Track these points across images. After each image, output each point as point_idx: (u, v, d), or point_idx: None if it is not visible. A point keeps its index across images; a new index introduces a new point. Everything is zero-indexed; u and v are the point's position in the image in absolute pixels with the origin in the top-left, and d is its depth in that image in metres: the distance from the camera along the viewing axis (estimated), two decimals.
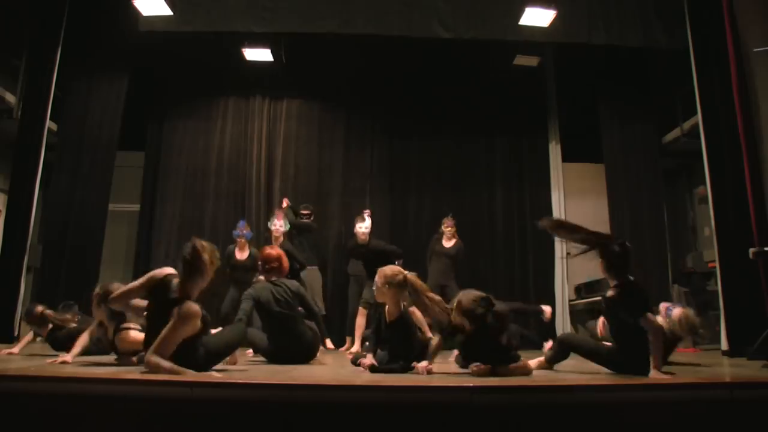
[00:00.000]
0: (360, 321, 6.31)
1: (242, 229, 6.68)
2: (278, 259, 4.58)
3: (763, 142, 5.56)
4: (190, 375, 2.83)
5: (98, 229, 7.20)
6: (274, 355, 4.35)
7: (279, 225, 6.67)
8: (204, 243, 3.27)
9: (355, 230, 6.60)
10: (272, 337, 4.40)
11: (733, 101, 5.69)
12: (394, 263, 4.70)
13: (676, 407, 2.53)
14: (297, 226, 7.10)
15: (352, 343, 6.36)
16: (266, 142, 8.20)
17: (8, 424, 2.42)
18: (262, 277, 4.65)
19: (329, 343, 4.68)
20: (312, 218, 7.29)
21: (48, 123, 6.55)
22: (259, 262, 4.71)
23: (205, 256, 3.20)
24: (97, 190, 7.25)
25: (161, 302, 3.14)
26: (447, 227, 6.94)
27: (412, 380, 3.02)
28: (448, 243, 6.91)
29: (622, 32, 6.73)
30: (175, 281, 3.20)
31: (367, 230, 6.56)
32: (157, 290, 3.20)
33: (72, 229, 7.06)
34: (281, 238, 6.60)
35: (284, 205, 7.35)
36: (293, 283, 4.58)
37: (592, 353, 3.62)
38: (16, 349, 4.59)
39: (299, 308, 4.50)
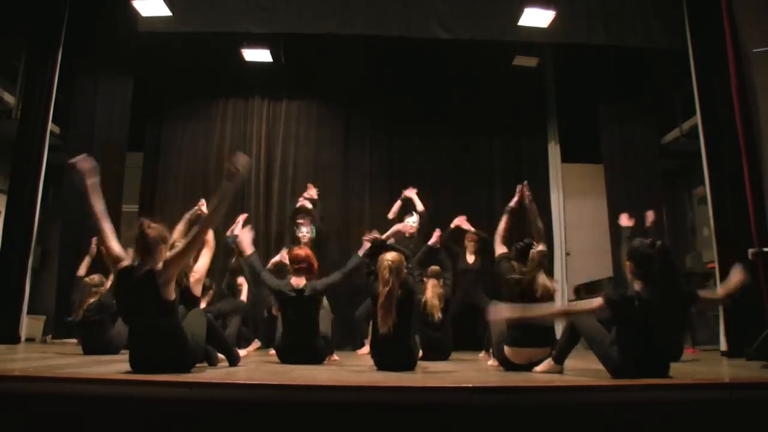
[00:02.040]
0: None
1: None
2: (306, 259, 4.60)
3: (762, 143, 5.57)
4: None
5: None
6: (284, 352, 4.44)
7: (306, 231, 6.63)
8: (151, 222, 3.17)
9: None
10: (285, 333, 4.49)
11: (732, 102, 5.69)
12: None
13: (675, 407, 2.53)
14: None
15: None
16: (265, 143, 8.19)
17: (8, 424, 2.41)
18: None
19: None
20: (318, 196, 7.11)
21: (50, 124, 6.55)
22: (288, 263, 4.76)
23: (152, 233, 3.09)
24: (108, 192, 7.19)
25: (128, 289, 3.01)
26: (469, 241, 6.62)
27: (412, 380, 3.02)
28: (470, 258, 6.60)
29: (621, 33, 6.73)
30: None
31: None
32: (121, 279, 3.06)
33: (87, 231, 6.99)
34: (309, 244, 6.46)
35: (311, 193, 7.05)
36: (315, 284, 4.63)
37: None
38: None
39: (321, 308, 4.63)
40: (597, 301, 3.19)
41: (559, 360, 3.63)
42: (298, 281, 4.49)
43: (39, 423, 2.42)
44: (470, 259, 6.63)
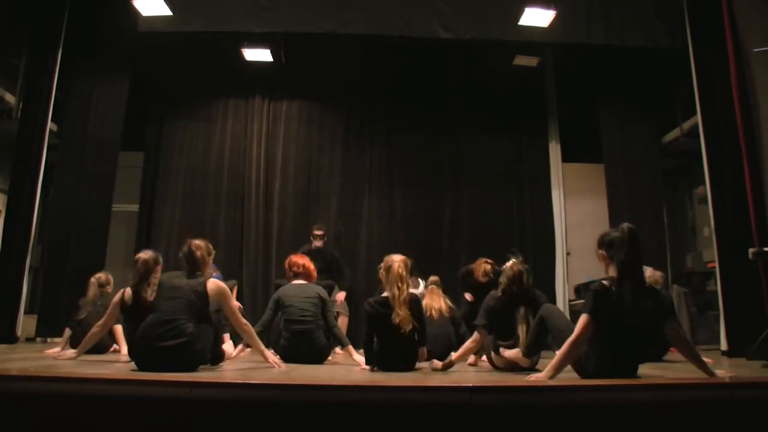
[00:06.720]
0: None
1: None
2: (303, 265, 4.84)
3: (762, 142, 5.56)
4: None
5: (102, 230, 7.19)
6: (286, 353, 4.44)
7: (321, 244, 6.95)
8: (198, 241, 3.71)
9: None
10: (287, 335, 4.51)
11: (732, 101, 5.69)
12: None
13: (675, 407, 2.53)
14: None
15: None
16: (266, 143, 8.19)
17: (8, 424, 2.41)
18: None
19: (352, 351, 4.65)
20: (325, 239, 7.05)
21: (49, 124, 6.55)
22: (286, 267, 4.96)
23: (199, 254, 3.65)
24: (100, 191, 7.25)
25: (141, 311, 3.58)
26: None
27: (412, 380, 3.02)
28: (484, 279, 5.83)
29: (621, 32, 6.74)
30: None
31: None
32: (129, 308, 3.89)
33: (76, 229, 7.04)
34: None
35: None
36: (318, 288, 4.70)
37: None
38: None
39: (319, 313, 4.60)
40: (582, 320, 2.96)
41: (529, 353, 3.67)
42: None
43: (39, 423, 2.42)
44: (483, 279, 5.85)
